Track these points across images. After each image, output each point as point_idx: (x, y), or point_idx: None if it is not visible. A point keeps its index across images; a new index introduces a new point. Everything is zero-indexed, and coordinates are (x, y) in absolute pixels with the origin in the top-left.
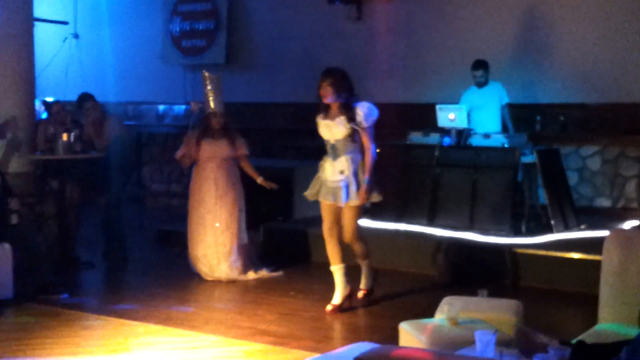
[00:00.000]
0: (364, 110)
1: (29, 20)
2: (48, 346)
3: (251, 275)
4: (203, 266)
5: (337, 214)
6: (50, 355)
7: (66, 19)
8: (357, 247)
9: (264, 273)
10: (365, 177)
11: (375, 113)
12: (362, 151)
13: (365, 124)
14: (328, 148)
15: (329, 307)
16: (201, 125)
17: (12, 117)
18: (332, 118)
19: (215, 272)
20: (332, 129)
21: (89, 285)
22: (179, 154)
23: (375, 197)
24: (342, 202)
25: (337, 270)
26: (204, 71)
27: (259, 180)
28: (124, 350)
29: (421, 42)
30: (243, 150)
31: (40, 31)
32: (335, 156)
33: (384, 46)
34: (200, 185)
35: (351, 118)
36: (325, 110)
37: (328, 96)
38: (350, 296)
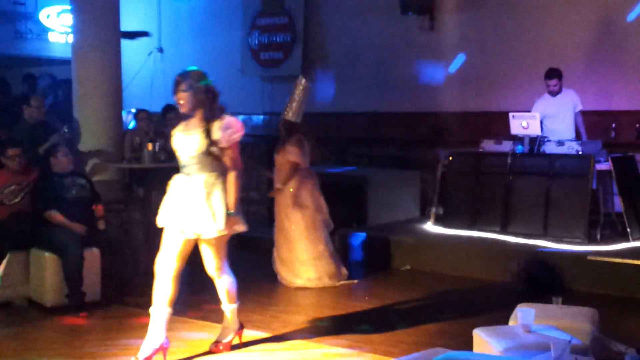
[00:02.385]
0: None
1: (117, 35)
2: (133, 346)
3: (328, 283)
4: (283, 271)
5: (188, 246)
6: (125, 354)
7: (151, 34)
8: (223, 284)
9: (342, 282)
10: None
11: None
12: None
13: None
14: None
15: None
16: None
17: None
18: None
19: (293, 279)
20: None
21: None
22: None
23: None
24: (197, 234)
25: (155, 314)
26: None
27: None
28: (205, 351)
29: (493, 50)
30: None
31: (127, 46)
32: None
33: (456, 55)
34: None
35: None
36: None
37: (184, 105)
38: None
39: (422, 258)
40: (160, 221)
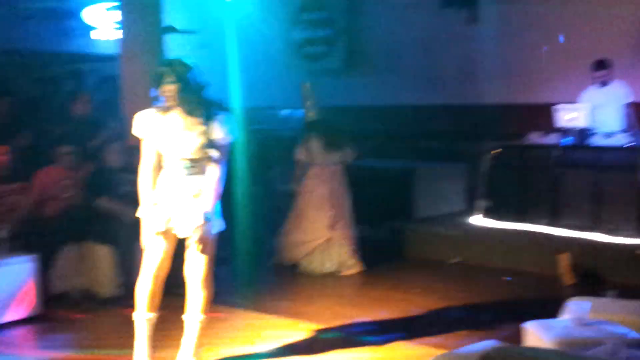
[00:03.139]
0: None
1: (162, 31)
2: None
3: (349, 271)
4: (307, 260)
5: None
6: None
7: (196, 29)
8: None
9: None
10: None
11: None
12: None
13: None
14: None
15: None
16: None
17: None
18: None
19: (316, 264)
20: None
21: (223, 279)
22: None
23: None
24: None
25: (150, 321)
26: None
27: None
28: (255, 342)
29: (537, 42)
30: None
31: (172, 41)
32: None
33: (499, 47)
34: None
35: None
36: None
37: (171, 97)
38: None
39: (470, 251)
40: (155, 226)
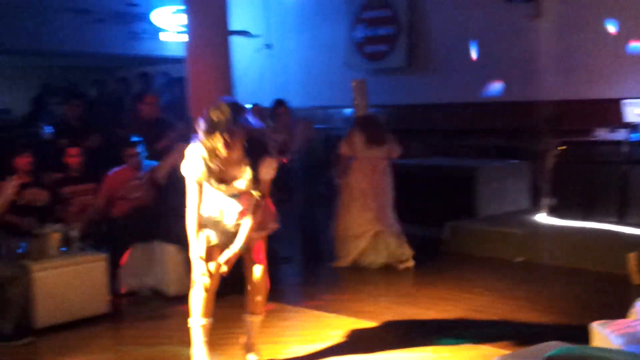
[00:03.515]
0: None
1: (227, 33)
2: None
3: (403, 265)
4: (362, 256)
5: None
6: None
7: (259, 31)
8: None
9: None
10: None
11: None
12: None
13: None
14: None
15: None
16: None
17: None
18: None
19: (371, 258)
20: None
21: (286, 279)
22: None
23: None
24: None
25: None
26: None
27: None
28: (319, 341)
29: (603, 36)
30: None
31: (236, 43)
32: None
33: (564, 42)
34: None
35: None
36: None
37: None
38: None
39: (535, 250)
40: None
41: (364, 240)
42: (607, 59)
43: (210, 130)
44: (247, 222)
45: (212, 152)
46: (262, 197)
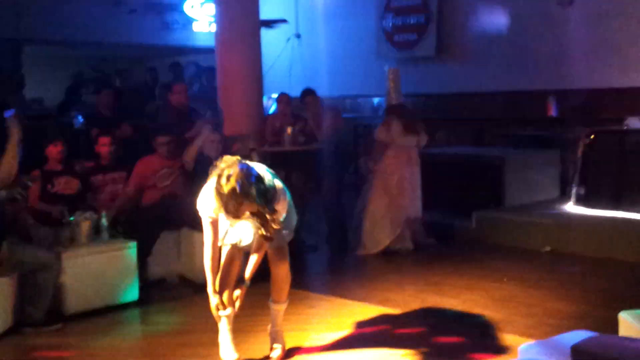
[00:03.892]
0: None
1: (256, 22)
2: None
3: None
4: (395, 241)
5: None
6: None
7: (288, 21)
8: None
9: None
10: None
11: None
12: None
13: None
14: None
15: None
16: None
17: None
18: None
19: (403, 244)
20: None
21: (312, 267)
22: None
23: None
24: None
25: (229, 317)
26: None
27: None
28: (344, 328)
29: (636, 23)
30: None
31: (266, 33)
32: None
33: (596, 30)
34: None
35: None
36: None
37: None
38: None
39: (563, 239)
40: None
41: (398, 227)
42: (639, 46)
43: (226, 208)
44: (254, 258)
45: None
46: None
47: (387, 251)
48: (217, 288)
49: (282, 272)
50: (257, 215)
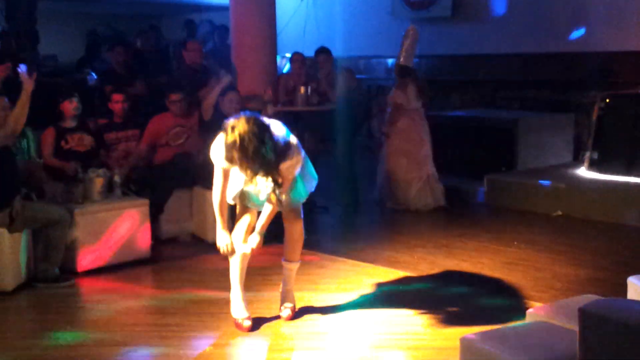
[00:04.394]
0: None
1: None
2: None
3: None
4: (401, 193)
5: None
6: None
7: None
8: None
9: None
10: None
11: None
12: None
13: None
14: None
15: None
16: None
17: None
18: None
19: (426, 200)
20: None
21: (324, 227)
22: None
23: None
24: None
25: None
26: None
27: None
28: (354, 289)
29: None
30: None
31: None
32: None
33: None
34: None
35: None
36: None
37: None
38: None
39: (574, 204)
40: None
41: (416, 185)
42: None
43: (230, 159)
44: (268, 208)
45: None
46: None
47: (408, 210)
48: (226, 227)
49: (296, 231)
50: (263, 172)
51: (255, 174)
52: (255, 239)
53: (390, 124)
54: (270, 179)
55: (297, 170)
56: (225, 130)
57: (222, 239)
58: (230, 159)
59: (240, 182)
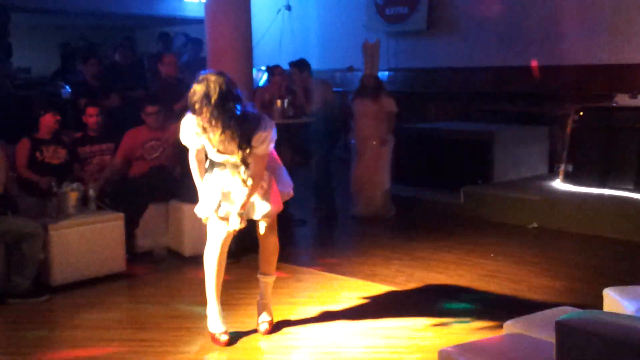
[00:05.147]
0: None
1: None
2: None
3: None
4: (361, 202)
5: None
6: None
7: None
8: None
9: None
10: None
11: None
12: None
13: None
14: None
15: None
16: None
17: None
18: None
19: (367, 208)
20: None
21: (301, 240)
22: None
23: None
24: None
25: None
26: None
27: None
28: (331, 302)
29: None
30: (390, 107)
31: (256, 4)
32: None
33: (588, 4)
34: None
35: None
36: None
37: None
38: None
39: (550, 216)
40: (204, 212)
41: (377, 191)
42: (631, 22)
43: (193, 108)
44: (245, 191)
45: (202, 127)
46: (255, 175)
47: (372, 217)
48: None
49: (270, 244)
50: (231, 132)
51: (225, 128)
52: (235, 220)
53: (390, 131)
54: (240, 152)
55: (270, 146)
56: (196, 82)
57: (204, 211)
58: (198, 111)
59: (217, 193)
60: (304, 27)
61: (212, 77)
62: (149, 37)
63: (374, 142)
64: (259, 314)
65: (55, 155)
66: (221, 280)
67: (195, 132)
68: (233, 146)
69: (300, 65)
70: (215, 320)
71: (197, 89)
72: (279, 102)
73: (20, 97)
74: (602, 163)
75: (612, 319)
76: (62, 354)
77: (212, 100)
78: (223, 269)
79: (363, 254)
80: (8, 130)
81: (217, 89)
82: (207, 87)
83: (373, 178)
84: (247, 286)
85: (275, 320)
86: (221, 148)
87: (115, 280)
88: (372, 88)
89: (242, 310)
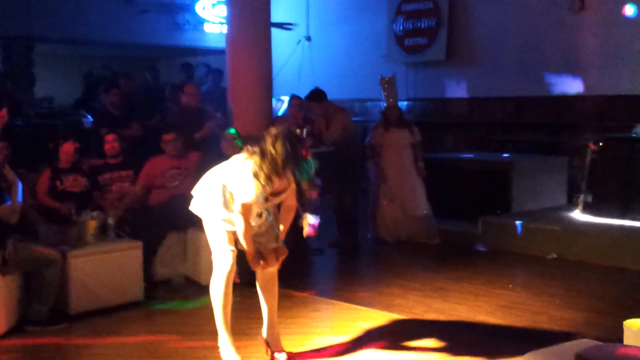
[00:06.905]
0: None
1: (267, 25)
2: (281, 325)
3: (432, 241)
4: (388, 231)
5: None
6: (282, 333)
7: (299, 23)
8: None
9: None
10: None
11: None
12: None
13: None
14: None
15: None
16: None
17: None
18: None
19: (397, 233)
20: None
21: (319, 270)
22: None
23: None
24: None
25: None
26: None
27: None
28: (349, 333)
29: None
30: (419, 137)
31: (276, 35)
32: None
33: (608, 37)
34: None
35: None
36: None
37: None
38: None
39: (569, 247)
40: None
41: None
42: None
43: (264, 163)
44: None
45: (268, 178)
46: (294, 206)
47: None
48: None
49: (268, 274)
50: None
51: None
52: (282, 250)
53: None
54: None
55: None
56: (264, 142)
57: (255, 263)
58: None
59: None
60: (324, 57)
61: (282, 135)
62: (171, 67)
63: (416, 174)
64: (272, 348)
65: (75, 183)
66: (229, 310)
67: (254, 180)
68: (283, 185)
69: (317, 96)
70: (228, 351)
71: (268, 143)
72: (297, 131)
73: (42, 126)
74: (621, 194)
75: (632, 352)
76: None
77: (285, 161)
78: (230, 299)
79: (381, 283)
80: (29, 159)
81: (290, 147)
82: (279, 146)
83: (410, 205)
84: (258, 316)
85: (292, 349)
86: (273, 191)
87: (132, 308)
88: (396, 119)
89: (256, 340)
